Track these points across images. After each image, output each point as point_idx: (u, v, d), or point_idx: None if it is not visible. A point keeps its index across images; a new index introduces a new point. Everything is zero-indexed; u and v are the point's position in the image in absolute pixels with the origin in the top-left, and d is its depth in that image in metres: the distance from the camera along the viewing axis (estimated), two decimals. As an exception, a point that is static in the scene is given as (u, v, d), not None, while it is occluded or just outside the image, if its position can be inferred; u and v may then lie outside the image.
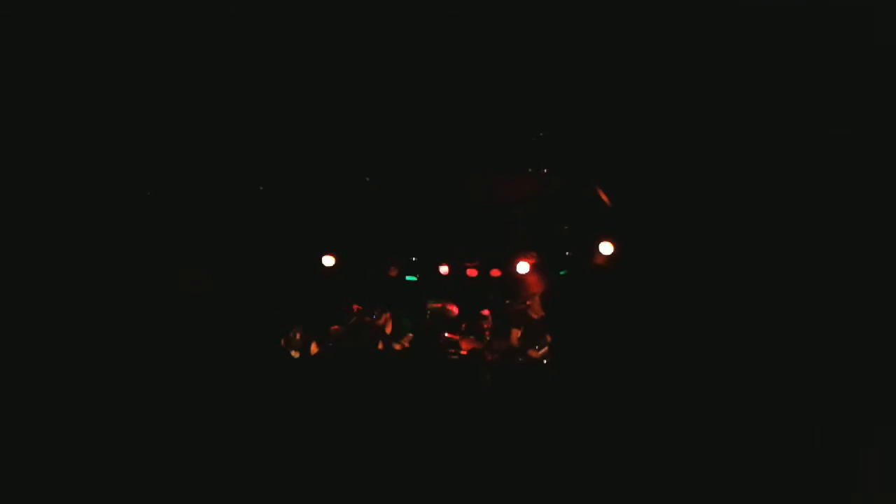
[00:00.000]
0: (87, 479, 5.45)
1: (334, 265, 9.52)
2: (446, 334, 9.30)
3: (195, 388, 6.66)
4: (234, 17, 5.29)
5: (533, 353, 8.71)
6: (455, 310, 9.55)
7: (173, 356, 6.97)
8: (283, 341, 8.83)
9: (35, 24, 5.47)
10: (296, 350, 8.88)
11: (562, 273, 9.30)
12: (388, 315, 9.33)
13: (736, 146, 5.90)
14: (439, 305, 9.53)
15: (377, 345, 8.82)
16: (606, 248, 8.29)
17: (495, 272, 9.83)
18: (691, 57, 5.57)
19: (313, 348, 8.91)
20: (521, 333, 9.02)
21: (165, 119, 6.67)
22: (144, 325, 7.16)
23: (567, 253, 9.24)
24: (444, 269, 9.82)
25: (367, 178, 8.00)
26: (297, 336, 8.97)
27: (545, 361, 8.58)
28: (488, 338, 9.22)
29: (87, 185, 7.07)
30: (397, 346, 9.11)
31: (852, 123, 5.36)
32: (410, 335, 9.26)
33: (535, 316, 9.05)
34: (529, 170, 7.63)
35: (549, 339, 8.66)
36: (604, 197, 7.37)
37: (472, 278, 9.86)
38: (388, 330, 9.27)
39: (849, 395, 5.08)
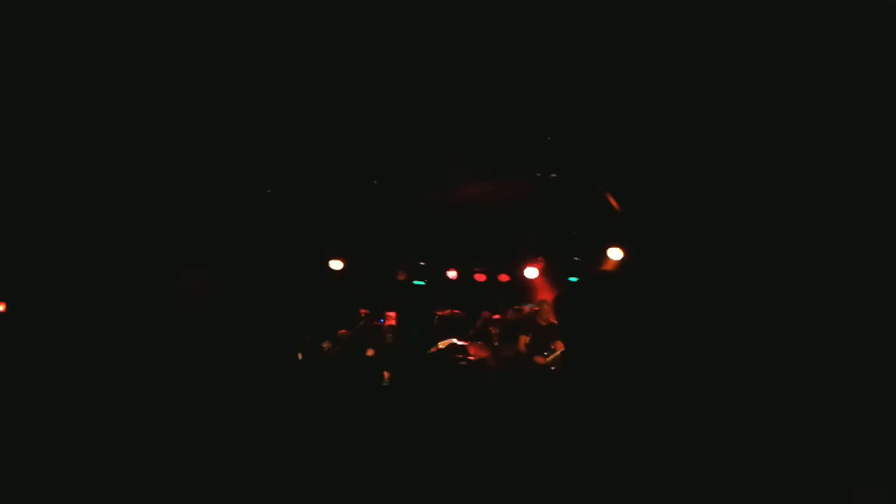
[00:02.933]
0: (87, 479, 5.42)
1: (342, 269, 9.51)
2: (454, 340, 9.25)
3: (201, 392, 6.64)
4: (236, 17, 5.28)
5: (540, 360, 8.65)
6: (463, 315, 9.51)
7: (181, 359, 6.97)
8: (292, 346, 8.81)
9: (36, 24, 5.48)
10: (303, 353, 8.87)
11: (572, 280, 9.25)
12: (395, 319, 9.31)
13: (745, 153, 5.85)
14: (447, 312, 9.50)
15: (385, 349, 8.79)
16: (616, 253, 8.24)
17: (503, 277, 9.79)
18: (699, 64, 5.53)
19: (321, 349, 8.89)
20: (530, 340, 8.97)
21: (172, 123, 6.68)
22: (151, 328, 7.16)
23: (576, 258, 9.20)
24: (452, 274, 9.80)
25: (375, 182, 7.99)
26: (305, 340, 8.96)
27: (553, 368, 8.52)
28: (496, 344, 9.17)
29: (96, 189, 7.09)
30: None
31: (848, 124, 5.32)
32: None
33: (543, 322, 9.00)
34: (538, 174, 7.60)
35: (559, 346, 8.61)
36: (613, 202, 7.32)
37: (481, 283, 9.83)
38: (396, 335, 9.24)
39: (853, 397, 5.01)
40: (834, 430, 5.06)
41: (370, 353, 8.06)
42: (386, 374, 7.99)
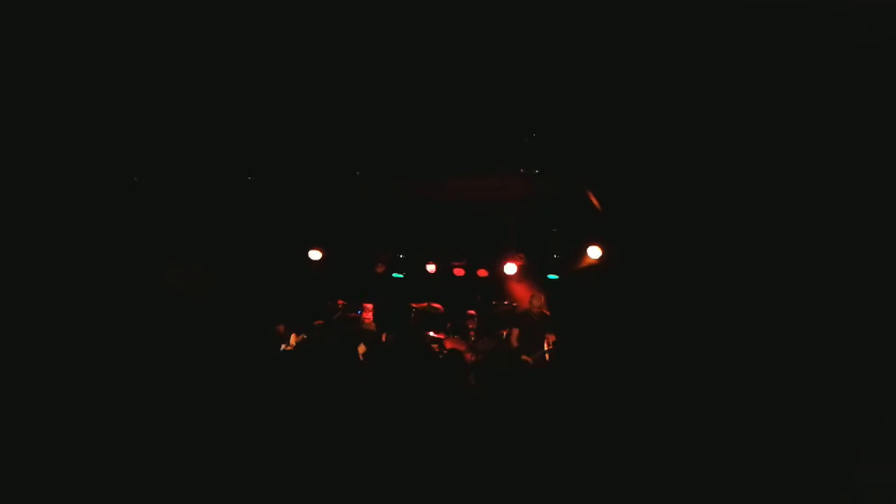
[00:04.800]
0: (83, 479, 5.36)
1: (321, 259, 9.47)
2: (431, 333, 9.27)
3: (177, 380, 6.58)
4: (221, 13, 5.27)
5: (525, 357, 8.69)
6: (440, 309, 9.53)
7: (157, 347, 6.90)
8: (267, 334, 8.75)
9: (35, 22, 5.43)
10: (279, 343, 8.82)
11: (551, 277, 9.30)
12: (372, 311, 9.29)
13: (725, 152, 5.92)
14: (424, 305, 9.50)
15: (360, 341, 8.76)
16: (595, 251, 8.29)
17: (482, 272, 9.81)
18: (682, 62, 5.58)
19: (293, 340, 8.84)
20: (506, 334, 9.00)
21: (157, 110, 6.62)
22: (128, 315, 7.07)
23: (555, 255, 9.24)
24: (431, 268, 9.80)
25: (358, 173, 7.97)
26: (281, 330, 8.91)
27: (531, 363, 8.56)
28: (473, 338, 9.20)
29: (77, 174, 7.00)
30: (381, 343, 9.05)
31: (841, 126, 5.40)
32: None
33: (521, 318, 9.03)
34: (521, 170, 7.62)
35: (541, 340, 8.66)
36: (594, 201, 7.37)
37: (459, 278, 9.84)
38: (372, 326, 9.22)
39: (846, 400, 5.09)
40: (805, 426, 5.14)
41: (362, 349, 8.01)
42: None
